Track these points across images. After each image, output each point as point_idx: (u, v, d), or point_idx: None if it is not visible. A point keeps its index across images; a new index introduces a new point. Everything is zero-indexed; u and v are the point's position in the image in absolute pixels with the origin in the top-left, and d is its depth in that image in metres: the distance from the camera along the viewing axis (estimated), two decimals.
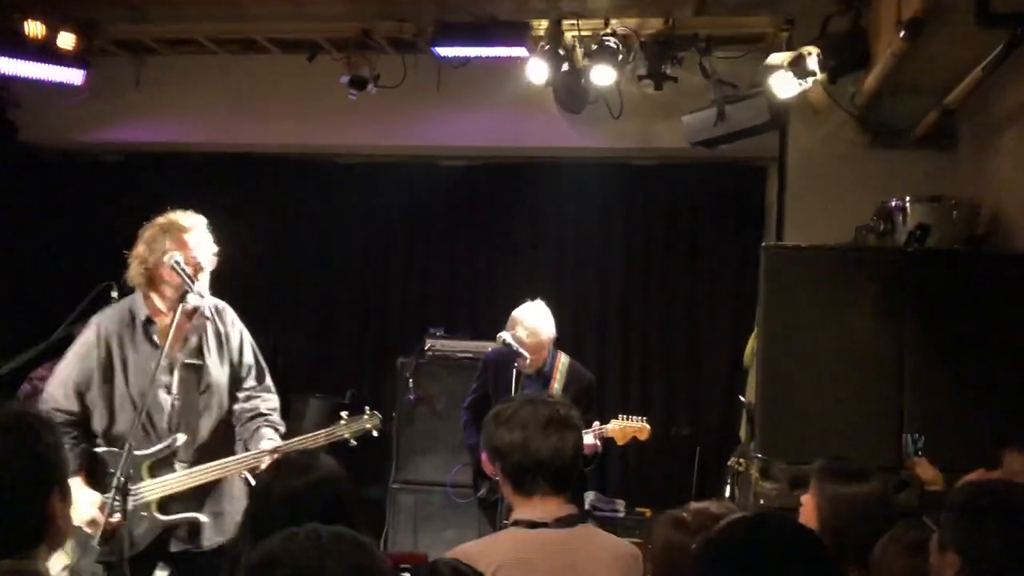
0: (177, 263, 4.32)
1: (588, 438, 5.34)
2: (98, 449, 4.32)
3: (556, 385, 5.91)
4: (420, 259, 8.70)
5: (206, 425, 4.46)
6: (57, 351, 4.71)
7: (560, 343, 6.13)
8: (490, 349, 6.27)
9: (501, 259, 8.53)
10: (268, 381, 4.58)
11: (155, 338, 4.42)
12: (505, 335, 5.77)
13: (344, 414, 4.52)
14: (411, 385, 7.71)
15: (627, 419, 5.88)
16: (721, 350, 8.04)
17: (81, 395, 4.41)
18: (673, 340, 8.30)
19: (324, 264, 8.77)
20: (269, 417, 4.49)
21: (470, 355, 7.61)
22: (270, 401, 4.57)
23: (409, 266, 8.70)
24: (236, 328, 4.55)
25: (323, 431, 4.45)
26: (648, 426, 5.87)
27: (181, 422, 4.41)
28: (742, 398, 6.25)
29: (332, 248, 8.78)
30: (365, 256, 8.77)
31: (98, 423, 4.40)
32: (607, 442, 5.90)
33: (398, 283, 8.76)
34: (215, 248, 4.40)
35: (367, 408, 4.60)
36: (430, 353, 7.80)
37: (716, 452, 7.61)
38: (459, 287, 8.64)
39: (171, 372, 4.41)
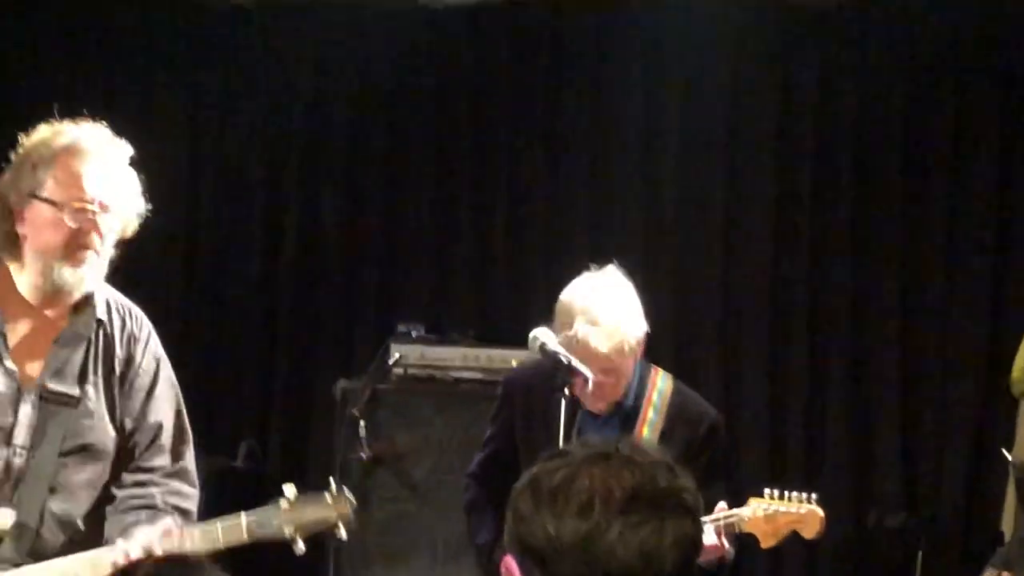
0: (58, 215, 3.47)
1: (709, 533, 4.14)
2: None
3: (646, 431, 4.47)
4: (376, 189, 6.87)
5: (63, 507, 3.58)
6: None
7: (655, 352, 4.59)
8: (515, 365, 5.21)
9: (531, 188, 6.57)
10: (188, 462, 3.69)
11: (2, 343, 3.58)
12: (545, 337, 4.18)
13: (287, 496, 3.49)
14: (362, 432, 6.10)
15: (780, 498, 4.31)
16: (966, 359, 6.32)
17: None
18: (874, 341, 6.43)
19: (190, 200, 6.97)
20: (168, 513, 3.57)
21: (478, 376, 6.29)
22: (182, 498, 3.64)
23: (358, 203, 6.86)
24: (149, 352, 3.66)
25: (217, 523, 3.51)
26: (821, 511, 4.31)
27: (18, 493, 3.56)
28: (1007, 455, 5.24)
29: (201, 167, 7.03)
30: (272, 181, 6.94)
31: None
32: (744, 540, 4.42)
33: (336, 236, 6.85)
34: (139, 201, 3.50)
35: (333, 485, 3.58)
36: (399, 372, 6.31)
37: (954, 555, 6.27)
38: (453, 246, 6.77)
39: (17, 404, 3.55)
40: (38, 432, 3.64)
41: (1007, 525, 5.58)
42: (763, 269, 6.55)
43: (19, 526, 3.69)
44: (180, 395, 3.78)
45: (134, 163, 3.55)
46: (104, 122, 3.55)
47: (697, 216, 6.53)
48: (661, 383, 4.57)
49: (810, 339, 6.31)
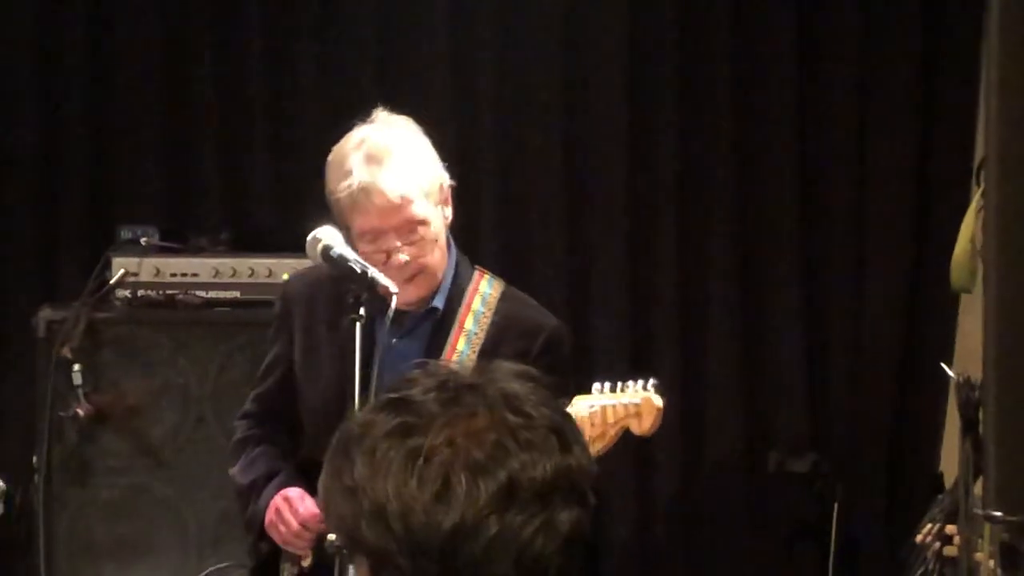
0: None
1: None
2: None
3: (462, 343, 4.07)
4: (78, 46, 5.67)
5: None
6: None
7: (474, 246, 4.76)
8: (288, 278, 4.47)
9: (298, 41, 5.63)
10: None
11: None
12: (329, 238, 3.79)
13: None
14: (77, 379, 5.12)
15: (613, 391, 3.88)
16: (885, 254, 5.50)
17: None
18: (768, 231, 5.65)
19: None
20: None
21: (235, 296, 5.30)
22: None
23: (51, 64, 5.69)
24: None
25: None
26: (659, 399, 3.86)
27: None
28: (949, 372, 4.46)
29: None
30: None
31: None
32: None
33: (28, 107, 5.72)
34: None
35: None
36: (124, 294, 5.26)
37: (878, 505, 5.56)
38: (193, 124, 5.67)
39: None
40: None
41: (947, 463, 5.27)
42: (610, 151, 5.69)
43: None
44: None
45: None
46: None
47: (510, 84, 5.76)
48: (486, 287, 4.14)
49: (679, 223, 5.62)
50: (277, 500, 3.70)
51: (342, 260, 3.74)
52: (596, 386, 3.91)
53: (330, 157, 3.98)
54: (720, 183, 5.48)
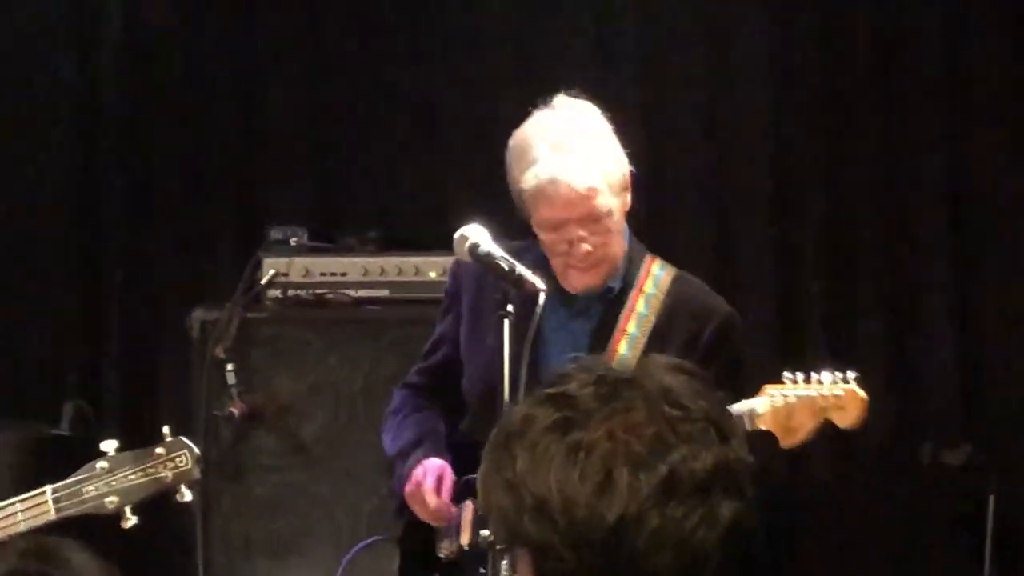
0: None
1: None
2: None
3: (632, 326, 3.99)
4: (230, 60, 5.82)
5: None
6: None
7: (649, 235, 4.35)
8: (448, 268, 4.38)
9: (450, 40, 5.77)
10: None
11: None
12: (477, 236, 3.78)
13: (106, 455, 3.34)
14: (231, 379, 5.12)
15: (807, 382, 3.88)
16: None
17: None
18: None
19: None
20: None
21: (384, 294, 5.25)
22: None
23: (202, 74, 5.83)
24: None
25: (15, 503, 3.35)
26: (862, 392, 3.85)
27: None
28: None
29: None
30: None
31: None
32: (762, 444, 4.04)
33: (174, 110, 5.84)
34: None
35: (166, 433, 3.37)
36: (275, 294, 5.27)
37: None
38: (341, 123, 5.77)
39: None
40: None
41: None
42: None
43: None
44: None
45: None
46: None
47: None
48: (658, 270, 4.08)
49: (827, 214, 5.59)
50: (418, 472, 3.65)
51: (489, 258, 3.71)
52: (787, 375, 3.88)
53: (511, 143, 3.91)
54: (867, 177, 5.34)
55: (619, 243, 3.94)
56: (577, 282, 3.86)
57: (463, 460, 3.63)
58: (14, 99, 6.04)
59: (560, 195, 3.73)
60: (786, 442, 4.00)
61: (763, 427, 3.93)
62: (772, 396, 3.85)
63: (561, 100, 3.92)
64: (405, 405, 4.24)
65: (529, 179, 3.73)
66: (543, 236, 3.74)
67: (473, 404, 3.77)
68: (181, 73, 5.95)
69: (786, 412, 3.87)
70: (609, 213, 3.81)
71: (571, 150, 3.81)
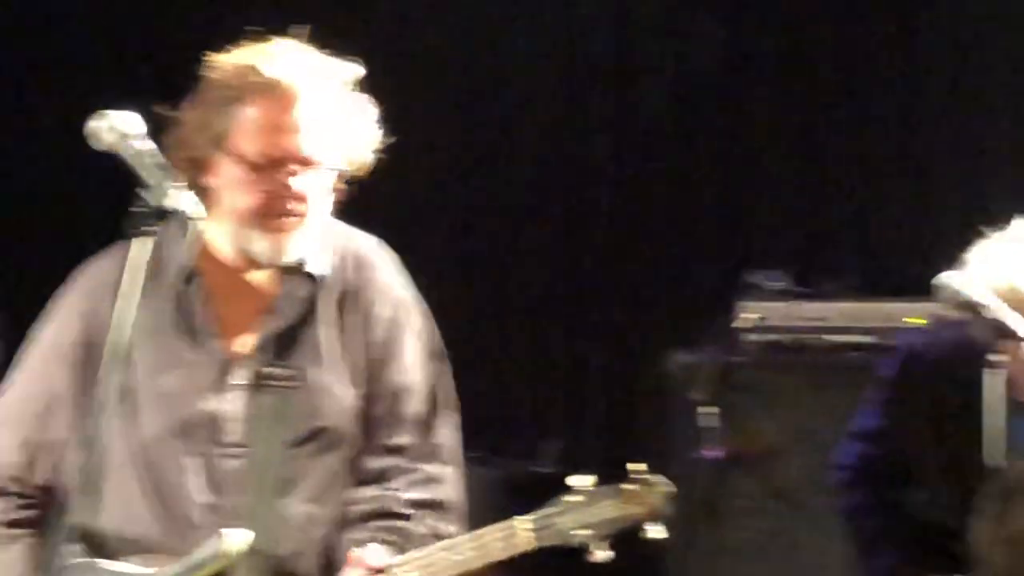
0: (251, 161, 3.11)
1: None
2: (66, 558, 2.83)
3: None
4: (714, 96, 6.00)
5: (303, 510, 3.15)
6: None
7: None
8: (912, 324, 4.84)
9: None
10: (443, 436, 3.25)
11: (198, 313, 3.17)
12: (961, 283, 3.51)
13: (576, 488, 3.04)
14: (711, 423, 5.11)
15: None
16: None
17: (33, 447, 3.20)
18: None
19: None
20: (407, 519, 3.15)
21: (864, 340, 5.24)
22: (433, 486, 3.22)
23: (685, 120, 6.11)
24: (384, 298, 3.25)
25: (484, 533, 3.05)
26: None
27: (244, 507, 3.16)
28: None
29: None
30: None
31: (71, 500, 3.04)
32: None
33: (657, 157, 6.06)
34: (368, 134, 3.14)
35: (641, 470, 3.00)
36: (754, 339, 5.33)
37: None
38: (817, 159, 5.82)
39: (223, 391, 3.15)
40: (255, 423, 3.26)
41: None
42: None
43: (254, 546, 3.20)
44: (437, 349, 3.40)
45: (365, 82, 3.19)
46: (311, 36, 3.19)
47: None
48: None
49: None
50: None
51: (975, 304, 3.49)
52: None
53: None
54: None
55: None
56: None
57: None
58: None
59: None
60: None
61: None
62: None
63: None
64: (867, 504, 4.13)
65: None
66: None
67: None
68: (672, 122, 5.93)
69: None
70: None
71: None
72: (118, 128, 2.87)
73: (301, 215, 3.12)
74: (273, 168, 3.09)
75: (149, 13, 5.88)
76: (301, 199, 3.11)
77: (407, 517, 3.24)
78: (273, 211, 3.11)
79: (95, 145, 2.88)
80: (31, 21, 6.63)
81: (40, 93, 6.41)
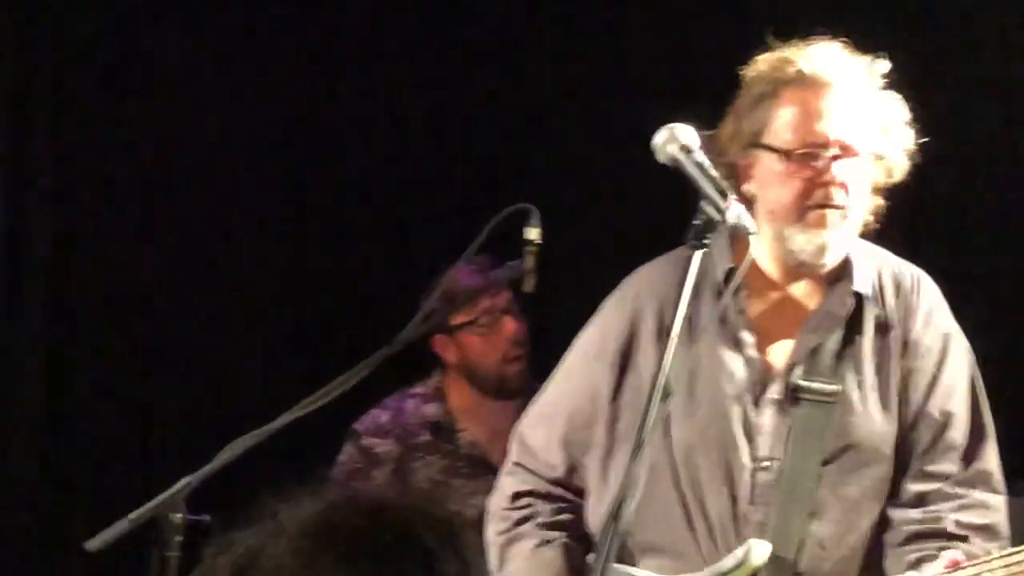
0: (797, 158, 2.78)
1: None
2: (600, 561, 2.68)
3: None
4: None
5: (828, 530, 2.89)
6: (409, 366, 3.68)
7: None
8: None
9: None
10: (987, 462, 2.92)
11: (739, 325, 2.89)
12: None
13: None
14: None
15: None
16: None
17: (571, 445, 3.01)
18: None
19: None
20: (961, 539, 2.84)
21: None
22: (981, 511, 2.89)
23: None
24: (932, 326, 2.93)
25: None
26: None
27: (770, 517, 2.88)
28: None
29: None
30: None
31: (593, 508, 2.97)
32: None
33: None
34: (904, 134, 2.85)
35: None
36: None
37: None
38: None
39: (760, 405, 2.89)
40: (789, 438, 3.00)
41: None
42: None
43: (776, 560, 3.02)
44: (977, 374, 3.05)
45: (892, 83, 2.90)
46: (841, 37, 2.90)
47: None
48: None
49: None
50: None
51: None
52: None
53: None
54: None
55: None
56: None
57: None
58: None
59: None
60: None
61: None
62: None
63: None
64: None
65: None
66: None
67: None
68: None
69: None
70: None
71: None
72: (681, 140, 2.68)
73: (841, 207, 2.80)
74: (811, 156, 2.81)
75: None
76: (841, 187, 2.79)
77: (964, 539, 2.91)
78: (813, 201, 2.82)
79: (658, 158, 2.71)
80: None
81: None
